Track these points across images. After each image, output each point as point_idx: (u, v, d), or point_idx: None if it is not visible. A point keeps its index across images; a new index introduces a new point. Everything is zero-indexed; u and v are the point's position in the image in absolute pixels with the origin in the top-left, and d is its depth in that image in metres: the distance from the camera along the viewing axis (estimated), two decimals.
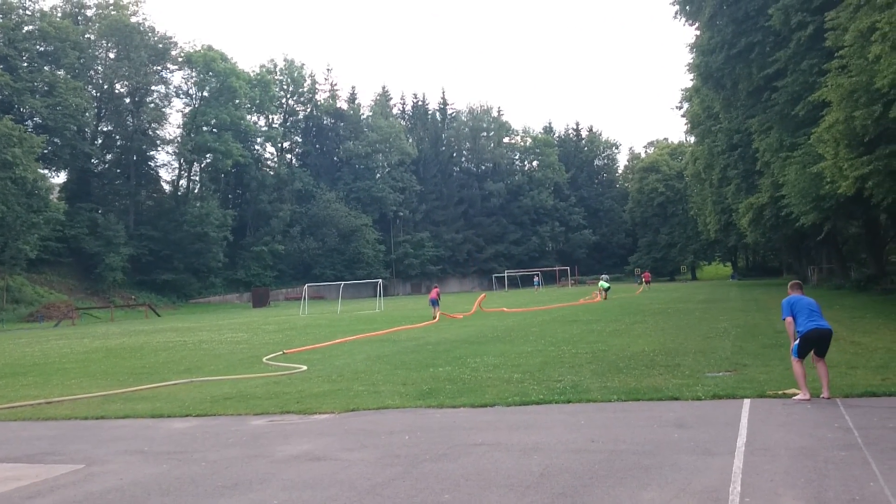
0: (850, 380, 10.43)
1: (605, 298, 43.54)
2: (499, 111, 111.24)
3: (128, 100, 74.66)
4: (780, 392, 9.75)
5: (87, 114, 68.51)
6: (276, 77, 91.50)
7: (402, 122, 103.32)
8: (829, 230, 37.02)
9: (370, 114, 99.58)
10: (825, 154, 23.52)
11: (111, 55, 73.45)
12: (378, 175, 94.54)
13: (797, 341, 9.58)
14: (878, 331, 17.32)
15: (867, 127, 20.38)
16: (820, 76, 24.69)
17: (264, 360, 17.66)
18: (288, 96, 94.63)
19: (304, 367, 15.37)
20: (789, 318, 9.74)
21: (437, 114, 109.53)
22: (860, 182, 21.50)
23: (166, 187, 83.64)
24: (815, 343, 9.47)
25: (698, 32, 36.48)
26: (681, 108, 67.83)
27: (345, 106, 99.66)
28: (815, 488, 5.76)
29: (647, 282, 65.82)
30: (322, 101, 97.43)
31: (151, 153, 78.59)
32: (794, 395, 9.47)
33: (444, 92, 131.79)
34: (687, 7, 34.78)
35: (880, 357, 12.63)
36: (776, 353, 13.30)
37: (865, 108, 20.19)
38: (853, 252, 53.09)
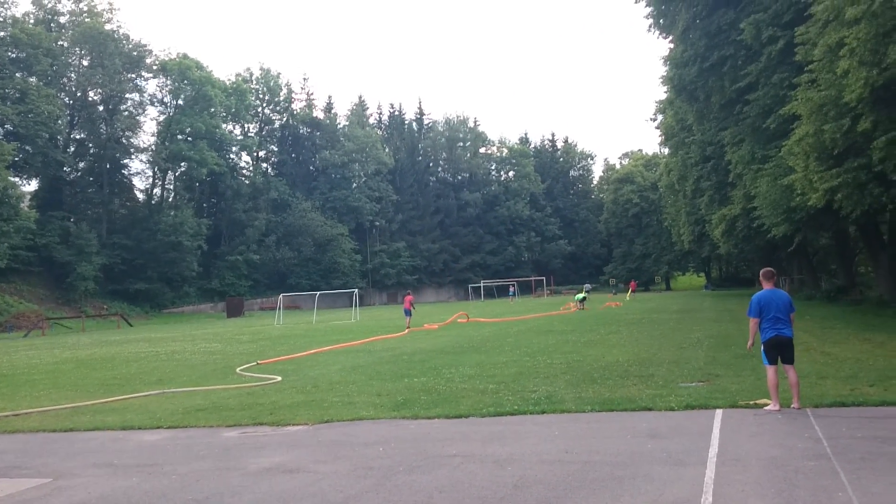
0: (820, 390, 10.57)
1: (583, 308, 43.53)
2: (475, 121, 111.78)
3: (101, 107, 73.89)
4: (751, 402, 9.85)
5: (59, 121, 67.68)
6: (251, 86, 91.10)
7: (379, 132, 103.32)
8: (799, 241, 37.41)
9: (346, 123, 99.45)
10: (795, 167, 23.81)
11: (84, 62, 72.70)
12: (354, 184, 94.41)
13: (762, 349, 9.72)
14: (847, 341, 17.59)
15: (836, 140, 20.68)
16: (790, 90, 24.99)
17: (238, 370, 17.52)
18: (264, 105, 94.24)
19: (279, 378, 15.27)
20: (755, 319, 9.79)
21: (414, 123, 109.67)
22: (830, 194, 21.78)
23: (140, 196, 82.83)
24: (777, 350, 9.60)
25: (672, 45, 36.84)
26: (655, 119, 68.34)
27: (321, 115, 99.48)
28: (784, 498, 5.82)
29: (633, 290, 67.06)
30: (298, 111, 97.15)
31: (125, 161, 77.75)
32: (765, 405, 9.57)
33: (420, 102, 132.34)
34: (661, 20, 35.10)
35: (849, 367, 12.81)
36: (748, 363, 13.45)
37: (834, 122, 20.49)
38: (823, 263, 53.81)
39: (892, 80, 18.32)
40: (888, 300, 29.27)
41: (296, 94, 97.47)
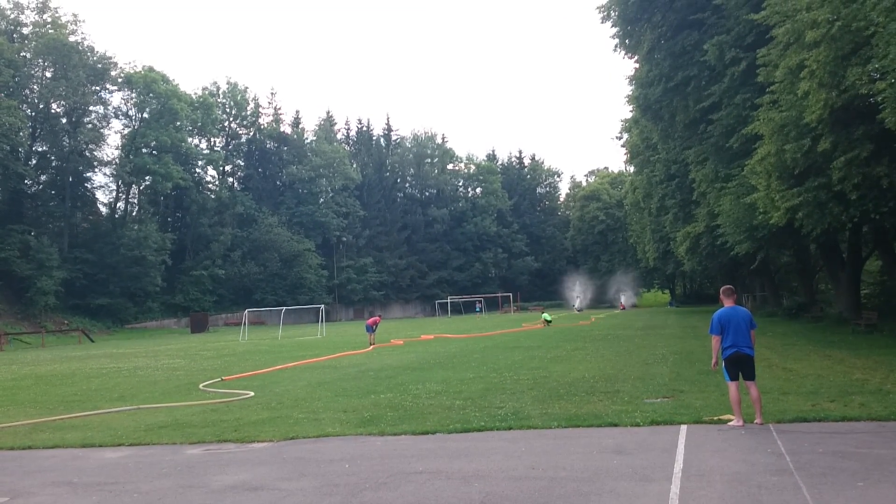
0: (782, 405, 10.71)
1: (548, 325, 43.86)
2: (443, 138, 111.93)
3: (64, 120, 72.74)
4: (715, 418, 9.95)
5: (21, 133, 66.46)
6: (218, 100, 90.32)
7: (347, 147, 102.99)
8: (762, 259, 38.06)
9: (314, 138, 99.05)
10: (758, 185, 24.23)
11: (48, 74, 71.61)
12: (321, 200, 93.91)
13: (724, 365, 9.83)
14: (808, 357, 17.86)
15: (797, 160, 21.11)
16: (752, 110, 25.46)
17: (201, 387, 17.28)
18: (230, 119, 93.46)
19: (252, 393, 15.09)
20: (717, 337, 9.85)
21: (382, 139, 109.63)
22: (791, 213, 22.18)
23: (103, 210, 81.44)
24: (737, 366, 9.71)
25: (637, 65, 37.37)
26: (621, 138, 69.18)
27: (288, 130, 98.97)
28: None
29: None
30: (265, 125, 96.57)
31: (88, 175, 76.58)
32: (729, 420, 9.67)
33: (388, 118, 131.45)
34: (626, 41, 35.59)
35: (811, 383, 13.01)
36: (712, 379, 13.59)
37: (795, 142, 20.93)
38: (785, 280, 54.68)
39: (850, 102, 18.79)
40: (847, 317, 29.81)
41: (263, 108, 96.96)
